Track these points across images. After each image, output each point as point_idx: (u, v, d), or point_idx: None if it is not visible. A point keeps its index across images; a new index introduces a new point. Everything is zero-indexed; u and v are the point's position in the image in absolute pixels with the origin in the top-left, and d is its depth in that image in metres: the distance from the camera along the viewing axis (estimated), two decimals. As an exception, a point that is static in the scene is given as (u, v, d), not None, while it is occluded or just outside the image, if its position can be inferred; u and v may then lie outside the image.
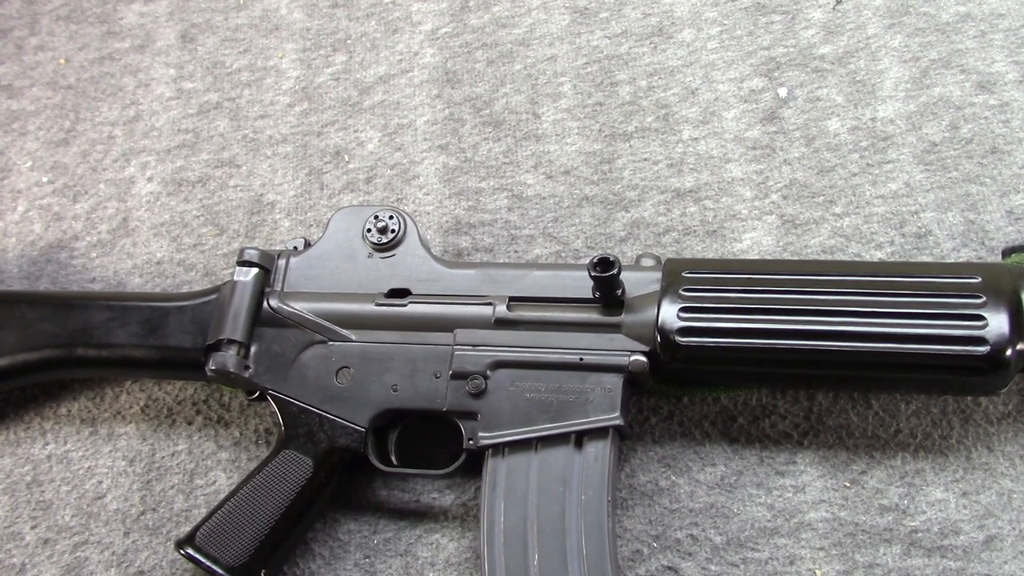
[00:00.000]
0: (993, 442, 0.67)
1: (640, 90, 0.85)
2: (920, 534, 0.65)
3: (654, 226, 0.79)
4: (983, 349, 0.60)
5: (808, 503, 0.67)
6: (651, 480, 0.70)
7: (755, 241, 0.77)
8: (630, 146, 0.83)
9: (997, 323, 0.61)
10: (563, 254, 0.79)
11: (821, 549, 0.66)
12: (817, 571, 0.65)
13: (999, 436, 0.67)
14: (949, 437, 0.67)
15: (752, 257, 0.76)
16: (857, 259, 0.74)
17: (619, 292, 0.68)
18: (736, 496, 0.68)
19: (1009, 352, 0.60)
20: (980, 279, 0.63)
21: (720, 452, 0.70)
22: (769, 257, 0.76)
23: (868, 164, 0.78)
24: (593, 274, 0.66)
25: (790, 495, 0.68)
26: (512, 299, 0.70)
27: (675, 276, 0.68)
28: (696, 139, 0.82)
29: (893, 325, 0.62)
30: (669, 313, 0.66)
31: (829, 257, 0.75)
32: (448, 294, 0.72)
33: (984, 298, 0.62)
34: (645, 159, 0.82)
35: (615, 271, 0.65)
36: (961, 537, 0.64)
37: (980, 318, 0.61)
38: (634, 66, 0.86)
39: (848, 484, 0.67)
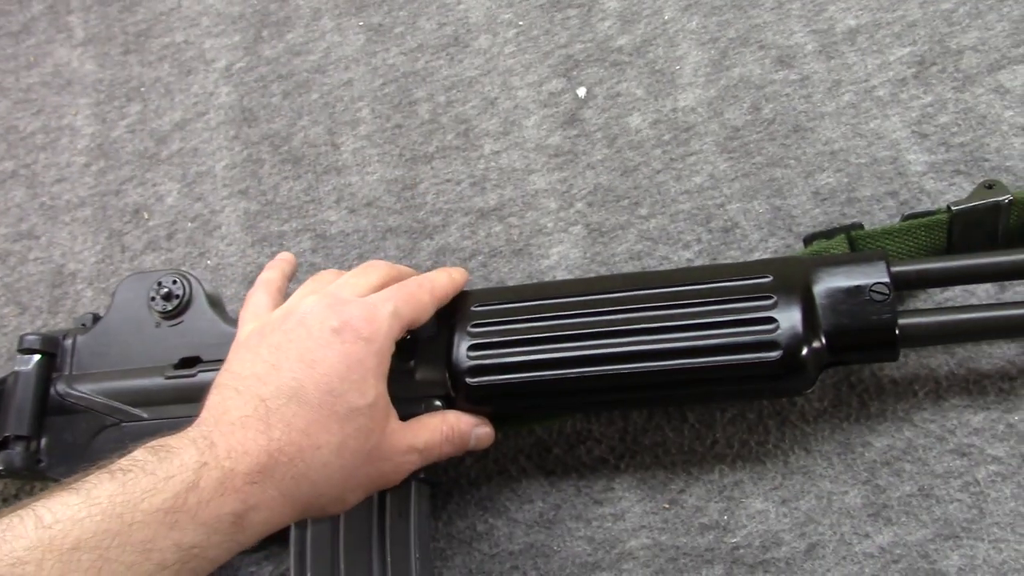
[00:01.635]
0: (810, 443, 0.64)
1: (439, 106, 0.81)
2: (742, 550, 0.62)
3: (460, 251, 0.75)
4: (776, 354, 0.57)
5: (628, 531, 0.64)
6: (468, 525, 0.67)
7: (562, 255, 0.73)
8: (432, 168, 0.79)
9: (789, 324, 0.58)
10: (370, 292, 0.76)
11: (643, 579, 0.63)
12: (640, 603, 0.62)
13: (816, 436, 0.64)
14: (766, 443, 0.64)
15: (560, 274, 0.73)
16: (655, 269, 0.70)
17: (407, 335, 0.64)
18: (555, 532, 0.65)
19: (804, 352, 0.57)
20: (771, 278, 0.60)
21: (537, 487, 0.67)
22: (578, 272, 0.72)
23: (671, 159, 0.74)
24: None
25: (609, 524, 0.65)
26: (303, 355, 0.66)
27: (466, 311, 0.64)
28: (498, 152, 0.78)
29: (684, 339, 0.59)
30: (459, 352, 0.62)
31: (636, 264, 0.71)
32: (239, 357, 0.68)
33: (775, 298, 0.59)
34: (448, 180, 0.78)
35: None
36: (783, 548, 0.62)
37: (771, 320, 0.58)
38: (431, 81, 0.82)
39: (667, 505, 0.64)
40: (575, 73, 0.79)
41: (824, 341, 0.58)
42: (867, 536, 0.61)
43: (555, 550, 0.65)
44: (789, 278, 0.59)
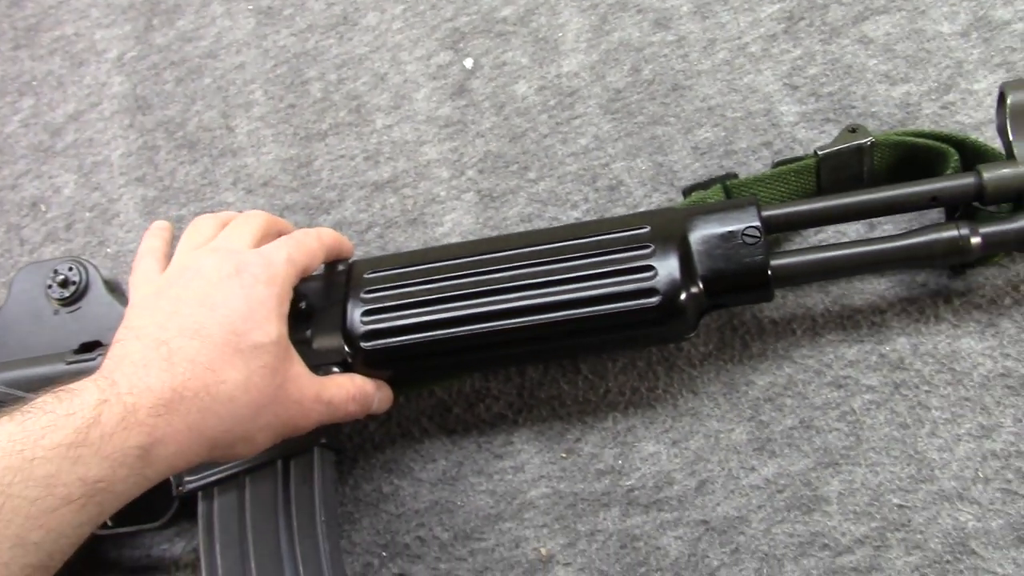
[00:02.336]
0: (697, 385, 0.66)
1: (331, 84, 0.82)
2: (636, 492, 0.64)
3: (356, 224, 0.77)
4: (655, 300, 0.60)
5: (528, 481, 0.66)
6: (375, 488, 0.68)
7: (456, 222, 0.75)
8: (326, 145, 0.80)
9: (666, 271, 0.60)
10: (270, 270, 0.76)
11: (544, 526, 0.65)
12: (542, 549, 0.64)
13: (702, 378, 0.66)
14: (656, 388, 0.67)
15: (455, 239, 0.74)
16: (542, 227, 0.72)
17: (302, 305, 0.65)
18: (458, 488, 0.67)
19: (683, 297, 0.60)
20: (648, 228, 0.62)
21: (439, 446, 0.68)
22: (471, 237, 0.74)
23: (557, 123, 0.76)
24: None
25: (510, 477, 0.67)
26: (201, 331, 0.67)
27: (359, 279, 0.65)
28: (390, 126, 0.79)
29: (570, 292, 0.61)
30: (353, 319, 0.64)
31: (527, 226, 0.73)
32: (139, 338, 0.69)
33: (652, 247, 0.61)
34: (342, 156, 0.79)
35: None
36: (675, 487, 0.64)
37: (650, 268, 0.60)
38: (322, 60, 0.83)
39: (565, 455, 0.66)
40: (462, 45, 0.81)
41: (701, 286, 0.60)
42: (753, 469, 0.63)
43: (459, 505, 0.66)
44: (666, 228, 0.62)
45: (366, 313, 0.64)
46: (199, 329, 0.52)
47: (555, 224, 0.73)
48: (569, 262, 0.62)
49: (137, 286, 0.60)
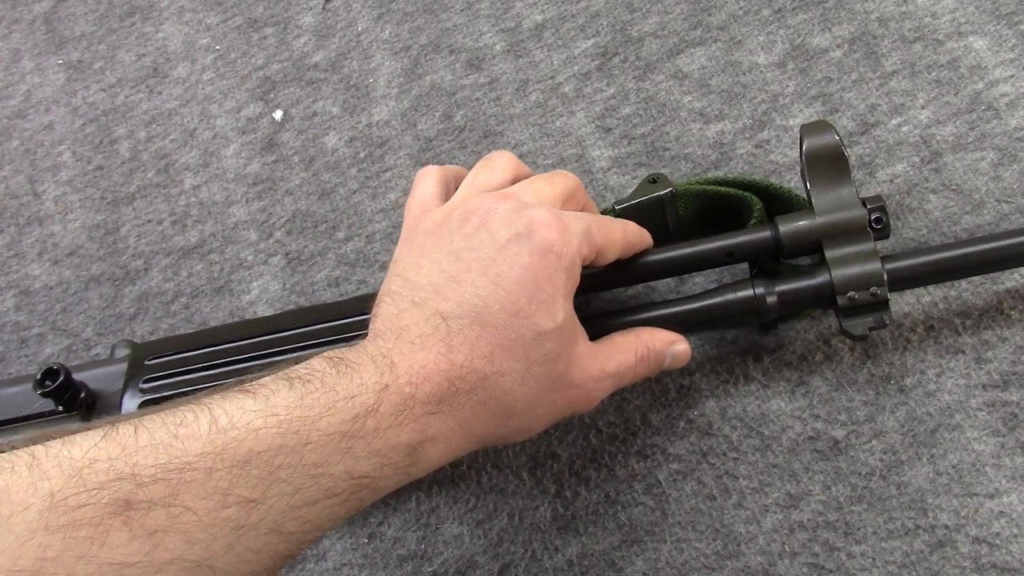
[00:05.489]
0: (502, 460, 0.63)
1: (139, 143, 0.78)
2: (439, 578, 0.61)
3: (162, 295, 0.73)
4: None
5: (329, 571, 0.63)
6: (174, 583, 0.65)
7: (263, 289, 0.71)
8: (133, 209, 0.76)
9: None
10: (75, 348, 0.73)
11: (344, 619, 0.62)
12: (341, 644, 0.61)
13: (507, 452, 0.63)
14: (460, 465, 0.63)
15: (261, 309, 0.70)
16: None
17: (83, 395, 0.62)
18: (258, 581, 0.63)
19: None
20: None
21: (240, 535, 0.65)
22: (278, 305, 0.70)
23: (367, 177, 0.72)
24: (41, 391, 0.60)
25: (312, 566, 0.63)
26: (-25, 433, 0.64)
27: (138, 366, 0.62)
28: (198, 186, 0.75)
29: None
30: (130, 410, 0.60)
31: (335, 290, 0.70)
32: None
33: None
34: (149, 220, 0.75)
35: (61, 379, 0.60)
36: (478, 572, 0.61)
37: None
38: (131, 117, 0.79)
39: (367, 540, 0.63)
40: (272, 95, 0.77)
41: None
42: (557, 550, 0.60)
43: (259, 599, 0.63)
44: None
45: (144, 404, 0.60)
46: (481, 308, 0.46)
47: (363, 288, 0.69)
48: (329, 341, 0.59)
49: (410, 210, 0.53)
